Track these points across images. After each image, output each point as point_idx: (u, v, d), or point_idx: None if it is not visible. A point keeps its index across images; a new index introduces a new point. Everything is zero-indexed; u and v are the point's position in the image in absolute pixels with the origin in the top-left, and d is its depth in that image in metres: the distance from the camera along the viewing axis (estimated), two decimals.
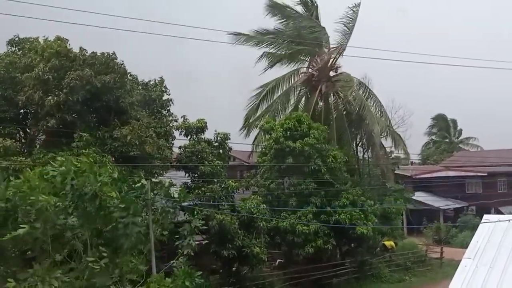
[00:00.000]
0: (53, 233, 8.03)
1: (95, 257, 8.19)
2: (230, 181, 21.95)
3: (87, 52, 19.71)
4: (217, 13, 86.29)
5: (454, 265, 15.53)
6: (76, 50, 19.61)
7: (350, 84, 27.62)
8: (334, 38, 29.77)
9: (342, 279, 25.56)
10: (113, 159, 17.00)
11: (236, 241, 20.34)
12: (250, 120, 29.46)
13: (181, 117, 22.90)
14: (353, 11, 29.44)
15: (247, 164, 34.15)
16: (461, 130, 67.40)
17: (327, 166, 23.76)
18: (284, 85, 29.92)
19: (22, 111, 20.43)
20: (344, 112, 29.34)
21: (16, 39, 21.55)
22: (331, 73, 30.42)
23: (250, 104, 29.59)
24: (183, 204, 12.09)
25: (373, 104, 29.15)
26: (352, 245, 27.04)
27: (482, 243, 9.36)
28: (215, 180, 21.28)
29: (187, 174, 22.17)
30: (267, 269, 24.60)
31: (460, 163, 46.08)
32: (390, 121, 30.47)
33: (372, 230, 23.80)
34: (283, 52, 29.99)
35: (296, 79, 30.22)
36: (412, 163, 46.14)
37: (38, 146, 19.92)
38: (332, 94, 30.01)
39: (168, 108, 23.39)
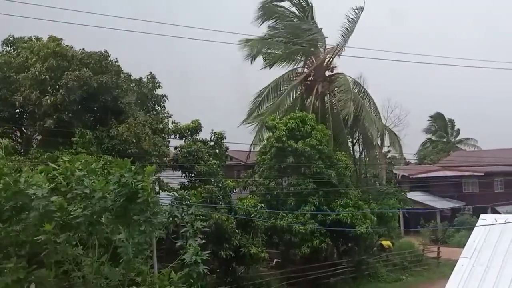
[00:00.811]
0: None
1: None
2: (228, 181, 21.92)
3: (84, 50, 19.67)
4: (217, 13, 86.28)
5: (451, 264, 15.60)
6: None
7: (348, 96, 27.22)
8: (333, 39, 29.77)
9: (339, 278, 25.54)
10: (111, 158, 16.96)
11: (234, 240, 20.33)
12: (249, 120, 29.43)
13: (172, 123, 22.67)
14: (356, 12, 29.37)
15: (244, 163, 34.07)
16: (458, 130, 67.48)
17: (335, 170, 23.58)
18: (281, 86, 29.91)
19: (18, 110, 20.37)
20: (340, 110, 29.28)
21: (11, 38, 21.50)
22: (327, 73, 30.41)
23: (252, 101, 29.70)
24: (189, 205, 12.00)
25: (367, 104, 29.18)
26: (350, 244, 27.02)
27: (479, 242, 9.36)
28: (212, 180, 21.25)
29: (183, 174, 22.12)
30: (264, 268, 24.58)
31: (457, 162, 46.14)
32: (381, 118, 30.41)
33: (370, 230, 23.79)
34: (279, 52, 29.95)
35: (295, 79, 30.21)
36: (408, 163, 46.16)
37: (34, 146, 19.86)
38: (328, 94, 30.01)
39: (163, 105, 23.11)
